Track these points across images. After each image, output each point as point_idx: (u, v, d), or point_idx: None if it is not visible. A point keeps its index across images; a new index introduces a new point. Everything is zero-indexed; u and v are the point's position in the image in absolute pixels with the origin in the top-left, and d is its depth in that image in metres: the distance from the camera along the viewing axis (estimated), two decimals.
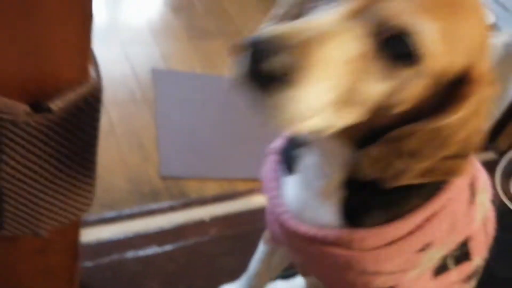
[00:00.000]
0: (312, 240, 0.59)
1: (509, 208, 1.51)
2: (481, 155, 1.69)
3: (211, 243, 1.11)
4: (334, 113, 0.44)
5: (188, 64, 1.63)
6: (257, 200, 1.27)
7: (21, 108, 0.48)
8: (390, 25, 0.42)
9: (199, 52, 1.69)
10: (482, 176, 0.65)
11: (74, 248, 0.71)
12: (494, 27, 1.52)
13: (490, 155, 1.71)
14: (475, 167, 0.63)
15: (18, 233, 0.60)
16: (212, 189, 1.27)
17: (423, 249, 0.57)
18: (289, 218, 0.61)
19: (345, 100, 0.43)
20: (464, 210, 0.61)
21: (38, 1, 0.44)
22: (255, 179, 1.33)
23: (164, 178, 1.25)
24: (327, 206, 0.58)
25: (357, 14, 0.42)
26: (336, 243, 0.57)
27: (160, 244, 1.07)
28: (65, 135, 0.52)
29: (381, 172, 0.49)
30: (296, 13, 0.52)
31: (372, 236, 0.55)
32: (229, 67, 0.43)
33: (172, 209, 1.16)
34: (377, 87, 0.44)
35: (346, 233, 0.56)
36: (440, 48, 0.42)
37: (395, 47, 0.42)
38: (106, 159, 1.24)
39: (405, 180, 0.50)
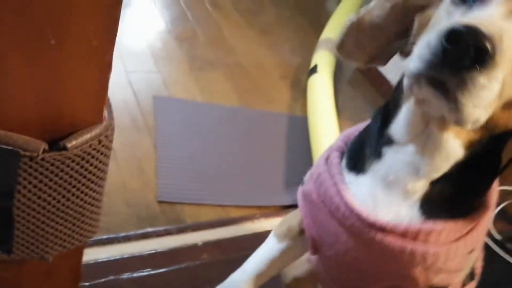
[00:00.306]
0: (388, 232, 0.59)
1: (485, 243, 1.57)
2: None
3: (203, 267, 1.16)
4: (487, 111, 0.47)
5: (189, 93, 1.70)
6: (250, 227, 1.32)
7: (40, 146, 0.54)
8: None
9: (200, 82, 1.76)
10: None
11: (78, 271, 0.76)
12: None
13: None
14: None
15: (26, 257, 0.64)
16: (206, 214, 1.32)
17: (471, 251, 0.62)
18: (365, 212, 0.61)
19: (497, 97, 0.46)
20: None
21: (61, 52, 0.50)
22: (248, 206, 1.39)
23: (161, 202, 1.30)
24: (408, 202, 0.60)
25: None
26: (415, 236, 0.58)
27: (154, 266, 1.12)
28: (78, 170, 0.58)
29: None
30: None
31: (448, 230, 0.58)
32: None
33: (167, 233, 1.21)
34: None
35: (426, 226, 0.58)
36: None
37: None
38: (107, 183, 1.29)
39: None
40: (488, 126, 0.50)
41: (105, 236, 1.16)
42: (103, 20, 0.50)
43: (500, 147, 0.59)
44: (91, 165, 0.59)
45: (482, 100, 0.45)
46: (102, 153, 0.60)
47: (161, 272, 1.12)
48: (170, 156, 1.43)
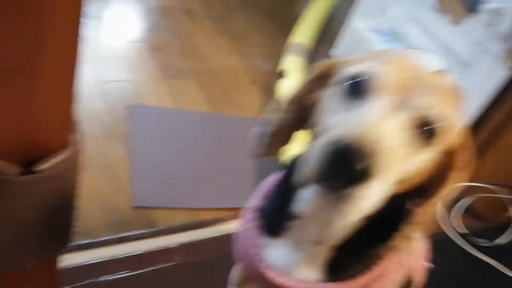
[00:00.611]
0: None
1: (448, 237, 1.67)
2: None
3: (177, 268, 1.23)
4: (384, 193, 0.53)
5: (162, 101, 1.76)
6: (221, 228, 1.39)
7: (15, 170, 0.61)
8: (427, 115, 0.53)
9: (172, 89, 1.83)
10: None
11: (54, 277, 0.83)
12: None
13: None
14: None
15: (5, 268, 0.71)
16: (179, 218, 1.40)
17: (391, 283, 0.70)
18: (276, 274, 0.68)
19: (391, 181, 0.53)
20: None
21: (32, 87, 0.57)
22: (219, 209, 1.47)
23: (135, 208, 1.38)
24: (314, 265, 0.67)
25: (397, 107, 0.53)
26: None
27: (130, 269, 1.19)
28: (50, 189, 0.65)
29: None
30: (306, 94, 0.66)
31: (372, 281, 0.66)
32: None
33: (142, 237, 1.28)
34: (411, 164, 0.55)
35: (329, 286, 0.66)
36: (451, 128, 0.56)
37: (427, 132, 0.54)
38: (83, 191, 1.35)
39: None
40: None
41: (83, 241, 1.23)
42: (68, 58, 0.57)
43: (399, 208, 0.64)
44: (62, 184, 0.66)
45: (368, 200, 0.50)
46: (71, 173, 0.67)
47: (137, 274, 1.19)
48: (143, 163, 1.51)
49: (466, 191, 1.79)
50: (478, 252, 1.63)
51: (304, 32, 2.21)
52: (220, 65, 2.04)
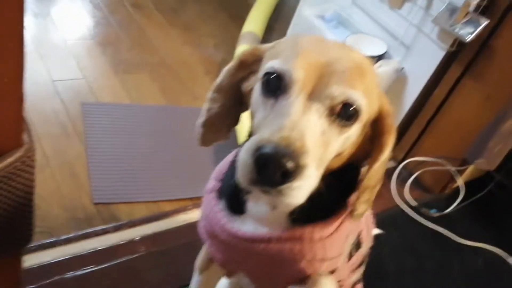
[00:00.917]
0: (268, 241, 0.71)
1: (401, 209, 1.77)
2: None
3: (141, 259, 1.27)
4: (318, 176, 0.58)
5: (116, 96, 1.77)
6: (182, 218, 1.43)
7: None
8: (340, 100, 0.58)
9: (126, 84, 1.84)
10: None
11: (17, 276, 0.85)
12: (386, 55, 1.78)
13: (388, 164, 1.97)
14: None
15: None
16: (140, 211, 1.43)
17: (347, 237, 0.76)
18: (247, 233, 0.73)
19: (321, 164, 0.59)
20: None
21: None
22: (180, 199, 1.51)
23: (96, 204, 1.39)
24: (279, 219, 0.71)
25: (310, 99, 0.58)
26: (290, 239, 0.70)
27: (96, 263, 1.21)
28: (6, 188, 0.67)
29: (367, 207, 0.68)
30: (231, 82, 0.70)
31: (318, 230, 0.70)
32: None
33: (105, 232, 1.30)
34: (337, 144, 0.61)
35: (298, 230, 0.70)
36: (368, 105, 0.61)
37: (344, 114, 0.59)
38: (43, 190, 1.37)
39: (367, 209, 0.69)
40: (328, 168, 0.62)
41: (46, 240, 1.24)
42: (10, 61, 0.59)
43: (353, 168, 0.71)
44: (18, 183, 0.68)
45: (303, 190, 0.55)
46: (26, 172, 0.69)
47: (103, 267, 1.22)
48: (101, 159, 1.52)
49: (415, 166, 1.89)
50: (429, 222, 1.74)
51: (255, 21, 2.25)
52: (173, 57, 2.06)
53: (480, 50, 1.62)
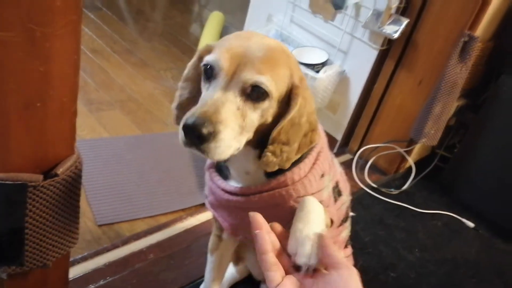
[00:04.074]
0: (260, 191, 0.90)
1: (366, 191, 2.01)
2: (340, 157, 2.18)
3: (153, 264, 1.41)
4: (239, 140, 0.78)
5: (95, 133, 1.90)
6: (178, 226, 1.58)
7: (39, 177, 0.77)
8: (249, 83, 0.76)
9: (102, 121, 1.97)
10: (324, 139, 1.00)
11: (66, 277, 0.98)
12: (328, 62, 2.04)
13: (346, 156, 2.21)
14: (322, 135, 0.98)
15: (33, 267, 0.85)
16: (140, 226, 1.57)
17: (322, 175, 0.94)
18: (242, 189, 0.93)
19: (242, 131, 0.77)
20: (330, 160, 1.00)
21: (44, 110, 0.74)
22: (172, 212, 1.66)
23: (100, 226, 1.52)
24: (257, 177, 0.91)
25: (229, 83, 0.77)
26: (277, 186, 0.88)
27: (112, 274, 1.34)
28: (66, 190, 0.82)
29: (279, 161, 0.84)
30: (195, 72, 0.89)
31: (295, 173, 0.89)
32: None
33: (114, 247, 1.43)
34: (254, 116, 0.78)
35: (280, 177, 0.89)
36: (275, 85, 0.78)
37: (255, 93, 0.77)
38: None
39: (291, 160, 0.85)
40: (253, 137, 0.81)
41: None
42: (69, 84, 0.75)
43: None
44: (73, 185, 0.83)
45: (220, 148, 0.75)
46: (78, 175, 0.84)
47: (119, 277, 1.34)
48: (96, 187, 1.65)
49: (370, 153, 2.14)
50: (391, 199, 1.98)
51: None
52: (139, 92, 2.22)
53: (406, 44, 1.92)
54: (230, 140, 0.76)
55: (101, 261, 1.37)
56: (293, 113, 0.82)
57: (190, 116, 0.74)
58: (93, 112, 2.01)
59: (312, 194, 0.91)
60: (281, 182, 0.89)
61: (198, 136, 0.73)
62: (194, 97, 0.92)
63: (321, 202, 0.91)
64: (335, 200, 1.01)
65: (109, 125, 1.97)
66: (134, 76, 2.33)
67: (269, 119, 0.82)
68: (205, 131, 0.72)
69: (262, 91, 0.78)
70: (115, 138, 1.91)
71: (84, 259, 1.36)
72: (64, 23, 0.66)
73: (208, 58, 0.80)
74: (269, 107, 0.80)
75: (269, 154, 0.83)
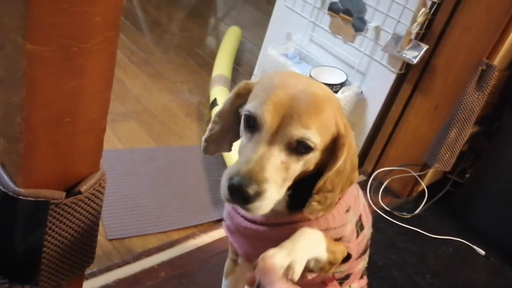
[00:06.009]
0: (280, 225, 0.89)
1: (379, 214, 1.98)
2: None
3: (163, 283, 1.39)
4: (281, 193, 0.78)
5: (110, 144, 1.89)
6: (191, 243, 1.57)
7: (62, 194, 0.76)
8: (295, 139, 0.76)
9: (117, 132, 1.97)
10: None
11: None
12: (346, 83, 2.03)
13: (360, 177, 2.20)
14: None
15: (47, 287, 0.84)
16: (152, 242, 1.55)
17: (347, 210, 0.93)
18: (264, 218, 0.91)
19: (284, 182, 0.78)
20: (356, 194, 0.99)
21: (73, 125, 0.72)
22: (185, 228, 1.64)
23: (111, 240, 1.51)
24: (278, 211, 0.87)
25: (274, 137, 0.76)
26: (299, 220, 0.87)
27: None
28: (88, 208, 0.81)
29: (323, 208, 0.83)
30: (230, 108, 0.89)
31: None
32: None
33: (125, 263, 1.42)
34: (297, 167, 0.78)
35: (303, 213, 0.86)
36: (320, 138, 0.77)
37: (300, 147, 0.77)
38: None
39: (333, 204, 0.85)
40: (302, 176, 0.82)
41: None
42: (100, 100, 0.75)
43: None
44: (95, 203, 0.82)
45: (264, 206, 0.76)
46: (101, 193, 0.83)
47: None
48: (108, 200, 1.63)
49: (384, 176, 2.12)
50: (404, 223, 1.96)
51: (223, 64, 2.47)
52: (154, 104, 2.22)
53: (423, 69, 1.91)
54: (274, 195, 0.76)
55: (110, 277, 1.35)
56: (339, 164, 0.81)
57: (235, 174, 0.74)
58: (108, 122, 1.95)
59: (335, 228, 0.90)
60: (304, 216, 0.88)
61: (243, 197, 0.73)
62: (226, 131, 0.93)
63: (342, 237, 0.91)
64: (357, 235, 0.99)
65: (124, 136, 1.96)
66: (150, 88, 2.33)
67: (311, 167, 0.82)
68: (251, 191, 0.73)
69: (307, 146, 0.77)
70: (130, 151, 1.91)
71: (93, 275, 1.35)
72: (101, 39, 0.66)
73: (250, 109, 0.79)
74: (312, 157, 0.80)
75: (314, 203, 0.82)
